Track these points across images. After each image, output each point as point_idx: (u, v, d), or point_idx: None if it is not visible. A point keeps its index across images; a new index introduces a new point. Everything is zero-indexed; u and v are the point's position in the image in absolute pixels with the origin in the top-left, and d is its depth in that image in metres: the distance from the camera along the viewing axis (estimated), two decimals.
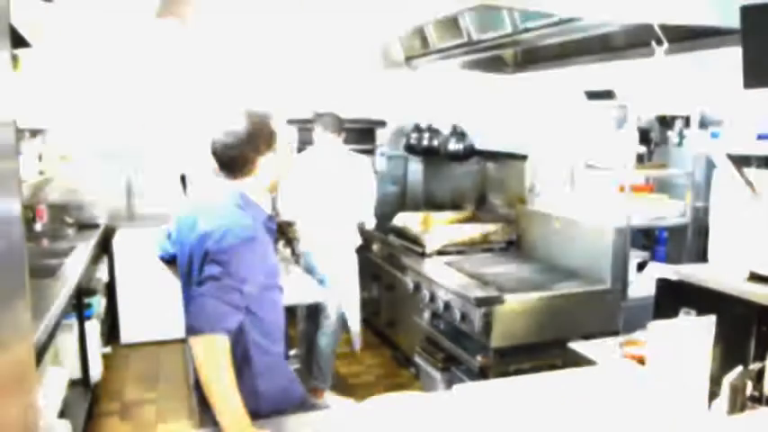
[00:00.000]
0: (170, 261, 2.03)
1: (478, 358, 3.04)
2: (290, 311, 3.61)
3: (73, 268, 3.36)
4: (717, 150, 2.25)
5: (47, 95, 4.13)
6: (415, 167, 5.62)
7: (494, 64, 4.79)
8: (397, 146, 5.49)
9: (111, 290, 4.70)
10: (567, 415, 1.69)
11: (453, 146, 4.67)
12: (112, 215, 4.98)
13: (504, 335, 2.96)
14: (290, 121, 4.51)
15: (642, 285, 3.02)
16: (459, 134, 4.71)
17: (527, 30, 3.44)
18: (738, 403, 1.57)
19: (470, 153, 4.69)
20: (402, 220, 4.38)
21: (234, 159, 1.80)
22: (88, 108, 4.83)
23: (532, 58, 4.59)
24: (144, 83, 4.91)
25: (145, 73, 4.87)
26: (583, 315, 3.07)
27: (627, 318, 3.07)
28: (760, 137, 1.94)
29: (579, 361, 2.26)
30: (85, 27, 4.61)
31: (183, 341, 3.91)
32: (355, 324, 4.02)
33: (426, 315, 3.61)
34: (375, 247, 4.63)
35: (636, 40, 3.33)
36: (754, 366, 1.68)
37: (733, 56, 2.25)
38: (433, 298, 3.40)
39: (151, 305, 4.54)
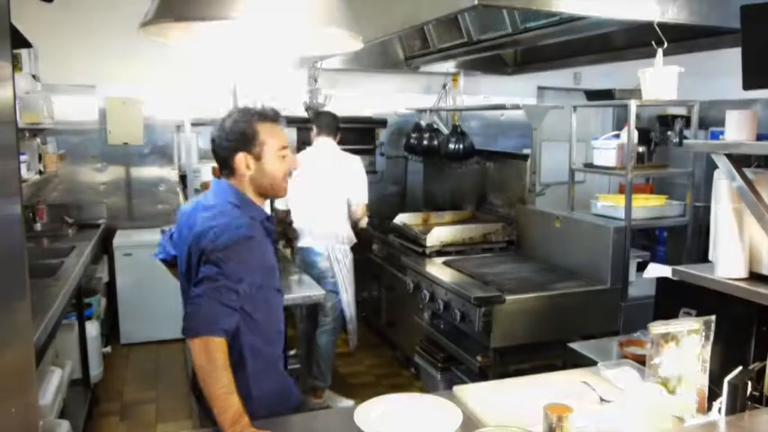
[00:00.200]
0: (170, 262, 2.03)
1: (478, 358, 3.04)
2: (290, 311, 3.60)
3: (73, 268, 3.36)
4: (717, 150, 2.24)
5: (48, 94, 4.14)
6: (415, 167, 5.62)
7: (494, 64, 4.80)
8: (397, 146, 5.49)
9: (111, 290, 4.70)
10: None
11: (453, 146, 4.68)
12: (112, 215, 4.99)
13: (504, 335, 2.96)
14: (290, 122, 4.49)
15: (642, 285, 3.02)
16: (459, 134, 4.72)
17: (527, 30, 3.43)
18: (738, 403, 1.57)
19: (470, 153, 4.70)
20: (402, 220, 4.38)
21: (216, 155, 1.83)
22: (88, 108, 4.83)
23: (532, 58, 4.59)
24: (144, 83, 4.90)
25: (146, 73, 4.87)
26: (583, 315, 3.07)
27: (627, 318, 3.07)
28: (760, 137, 1.93)
29: (579, 361, 2.26)
30: (85, 26, 4.61)
31: (183, 341, 3.90)
32: (351, 322, 4.02)
33: (426, 315, 3.61)
34: (375, 247, 4.63)
35: (636, 41, 3.33)
36: (754, 366, 1.68)
37: (733, 56, 2.25)
38: (433, 298, 3.40)
39: (151, 305, 4.53)
